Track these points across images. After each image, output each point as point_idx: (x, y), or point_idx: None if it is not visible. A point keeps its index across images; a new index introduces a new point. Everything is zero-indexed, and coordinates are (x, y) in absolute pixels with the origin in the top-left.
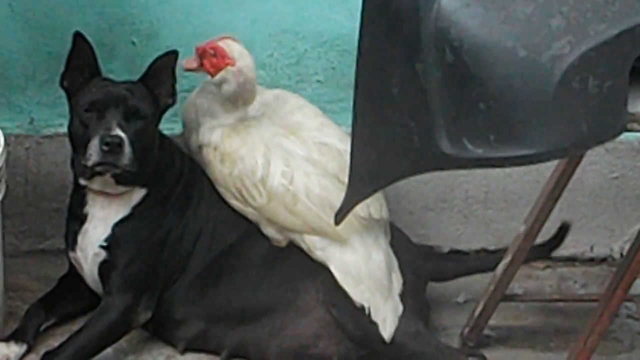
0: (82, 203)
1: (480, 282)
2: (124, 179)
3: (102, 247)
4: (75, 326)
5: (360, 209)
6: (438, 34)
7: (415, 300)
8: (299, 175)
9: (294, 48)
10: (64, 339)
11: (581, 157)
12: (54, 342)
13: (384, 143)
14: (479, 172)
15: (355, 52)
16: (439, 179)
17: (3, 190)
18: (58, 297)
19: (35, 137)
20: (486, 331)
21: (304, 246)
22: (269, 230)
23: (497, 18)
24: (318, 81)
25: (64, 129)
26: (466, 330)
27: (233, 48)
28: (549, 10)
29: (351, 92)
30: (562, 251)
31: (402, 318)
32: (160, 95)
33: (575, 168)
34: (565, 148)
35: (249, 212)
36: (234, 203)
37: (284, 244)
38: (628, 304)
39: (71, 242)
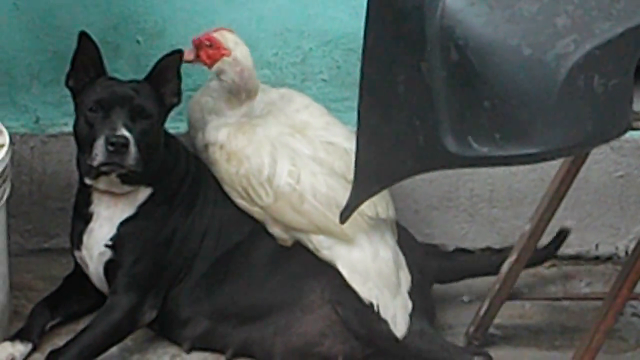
0: (88, 202)
1: (486, 280)
2: (130, 179)
3: (107, 246)
4: (81, 325)
5: (367, 208)
6: (443, 32)
7: (421, 299)
8: (305, 174)
9: (299, 47)
10: (69, 338)
11: (586, 155)
12: (59, 341)
13: (389, 142)
14: (484, 170)
15: (360, 51)
16: (444, 177)
17: (8, 190)
18: (63, 296)
19: (40, 136)
20: (491, 330)
21: (310, 245)
22: (275, 230)
23: (502, 17)
24: (323, 80)
25: (69, 128)
26: (471, 329)
27: (228, 38)
28: (554, 9)
29: (356, 91)
30: (567, 250)
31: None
32: (166, 95)
33: (580, 167)
34: (570, 146)
35: (255, 211)
36: (240, 202)
37: (289, 243)
38: (633, 302)
39: (77, 241)
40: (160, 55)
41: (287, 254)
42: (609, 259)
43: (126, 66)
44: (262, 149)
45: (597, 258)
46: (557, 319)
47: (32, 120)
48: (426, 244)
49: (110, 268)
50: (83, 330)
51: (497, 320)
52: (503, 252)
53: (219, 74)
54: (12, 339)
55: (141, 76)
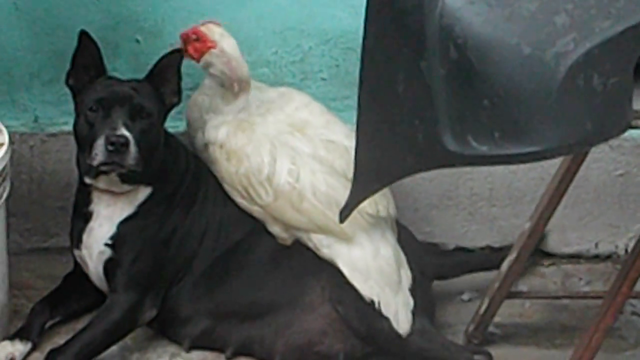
0: (88, 201)
1: (485, 279)
2: (130, 178)
3: (107, 245)
4: (80, 324)
5: (368, 205)
6: (442, 31)
7: (421, 297)
8: (305, 173)
9: (298, 45)
10: (69, 337)
11: (586, 154)
12: (59, 340)
13: (389, 140)
14: (483, 169)
15: (359, 50)
16: (444, 176)
17: (8, 189)
18: (63, 295)
19: (39, 136)
20: (491, 328)
21: (310, 244)
22: (274, 229)
23: (502, 15)
24: (322, 79)
25: (69, 127)
26: (471, 327)
27: (214, 31)
28: (553, 8)
29: (355, 90)
30: (567, 248)
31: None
32: (166, 94)
33: (579, 165)
34: (569, 145)
35: (254, 210)
36: (240, 201)
37: (289, 242)
38: (633, 301)
39: (76, 240)
40: (159, 55)
41: (287, 253)
42: (608, 257)
43: (125, 65)
44: (261, 147)
45: (596, 256)
46: (557, 318)
47: (32, 119)
48: (426, 243)
49: (110, 267)
50: (83, 329)
51: (496, 319)
52: (503, 251)
53: (207, 67)
54: (11, 338)
55: (140, 75)
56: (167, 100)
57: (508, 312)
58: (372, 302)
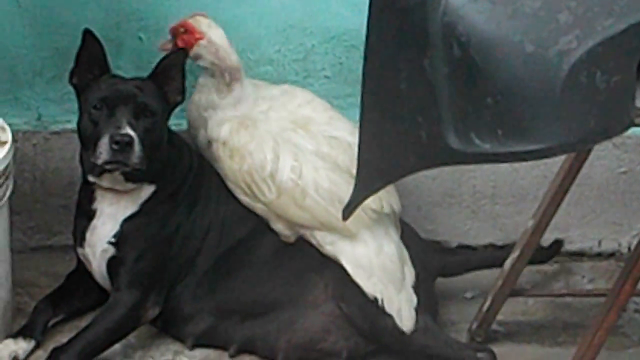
0: (91, 199)
1: (488, 277)
2: (134, 176)
3: (110, 243)
4: (83, 322)
5: (372, 202)
6: (445, 29)
7: (425, 295)
8: (307, 169)
9: (301, 43)
10: (72, 335)
11: (589, 152)
12: (62, 338)
13: (392, 138)
14: (486, 167)
15: (362, 48)
16: (447, 174)
17: (11, 187)
18: (66, 293)
19: (42, 134)
20: (494, 326)
21: (313, 241)
22: (278, 226)
23: (505, 13)
24: (325, 77)
25: (72, 125)
26: (474, 325)
27: (201, 22)
28: (556, 5)
29: (359, 88)
30: (570, 246)
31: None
32: (170, 93)
33: (583, 163)
34: (572, 143)
35: (258, 207)
36: (244, 199)
37: (292, 239)
38: (636, 298)
39: (80, 238)
40: (162, 53)
41: (290, 251)
42: (611, 255)
43: (128, 63)
44: (264, 144)
45: (599, 254)
46: (560, 316)
47: (35, 117)
48: (429, 241)
49: (113, 265)
50: (86, 327)
51: (499, 317)
52: (506, 249)
53: (197, 60)
54: (14, 336)
55: (143, 73)
56: (171, 99)
57: (511, 310)
58: (376, 299)
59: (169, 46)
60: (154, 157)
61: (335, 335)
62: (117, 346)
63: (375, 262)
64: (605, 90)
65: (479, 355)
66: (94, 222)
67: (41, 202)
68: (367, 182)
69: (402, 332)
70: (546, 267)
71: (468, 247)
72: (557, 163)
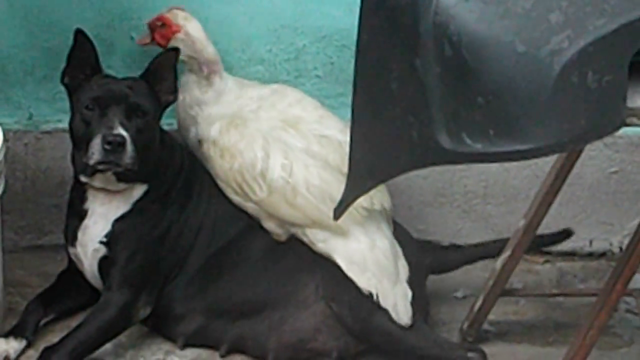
0: (82, 199)
1: (480, 276)
2: (126, 176)
3: (102, 242)
4: (75, 322)
5: (362, 200)
6: (437, 28)
7: (415, 294)
8: (298, 167)
9: (292, 43)
10: (63, 334)
11: (580, 151)
12: (53, 337)
13: (383, 138)
14: (478, 167)
15: (354, 47)
16: (438, 173)
17: (2, 186)
18: (57, 293)
19: (34, 133)
20: (485, 326)
21: (305, 239)
22: (269, 225)
23: (496, 12)
24: (317, 76)
25: (63, 125)
26: (465, 325)
27: (178, 15)
28: (547, 5)
29: (350, 87)
30: (561, 246)
31: None
32: (161, 92)
33: (574, 163)
34: (564, 143)
35: (249, 206)
36: (234, 198)
37: (284, 238)
38: (627, 298)
39: (71, 237)
40: (154, 53)
41: (282, 250)
42: (603, 255)
43: (120, 63)
44: (254, 143)
45: (591, 254)
46: (551, 315)
47: (26, 116)
48: (420, 240)
49: (104, 265)
50: (77, 327)
51: (491, 317)
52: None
53: None
54: (6, 335)
55: (135, 73)
56: (162, 99)
57: (502, 310)
58: (370, 294)
59: (147, 40)
60: (146, 157)
61: (326, 335)
62: (108, 346)
63: (368, 258)
64: (596, 90)
65: (470, 355)
66: (86, 221)
67: (32, 201)
68: (358, 181)
69: (397, 327)
70: (537, 267)
71: (459, 246)
72: (548, 163)
